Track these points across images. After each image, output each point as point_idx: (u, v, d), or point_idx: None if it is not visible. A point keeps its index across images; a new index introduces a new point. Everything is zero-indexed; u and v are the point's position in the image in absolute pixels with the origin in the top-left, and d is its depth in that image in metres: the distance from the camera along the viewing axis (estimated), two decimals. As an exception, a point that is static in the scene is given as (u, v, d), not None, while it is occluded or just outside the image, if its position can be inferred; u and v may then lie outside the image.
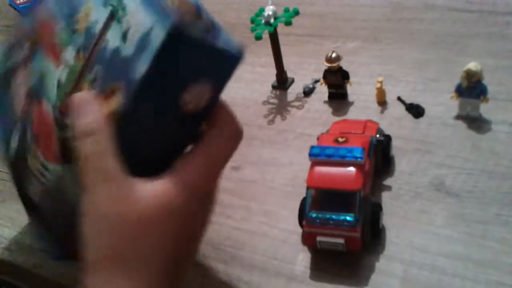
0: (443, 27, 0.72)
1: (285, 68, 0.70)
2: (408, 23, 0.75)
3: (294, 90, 0.69)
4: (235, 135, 0.40)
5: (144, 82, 0.34)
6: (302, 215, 0.48)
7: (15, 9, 1.13)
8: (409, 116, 0.60)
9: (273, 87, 0.71)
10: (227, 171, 0.58)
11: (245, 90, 0.71)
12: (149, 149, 0.39)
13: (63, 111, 0.40)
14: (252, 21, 0.65)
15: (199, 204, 0.38)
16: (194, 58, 0.36)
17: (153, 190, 0.35)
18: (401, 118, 0.60)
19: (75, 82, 0.39)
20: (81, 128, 0.36)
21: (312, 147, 0.49)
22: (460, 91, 0.56)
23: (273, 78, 0.71)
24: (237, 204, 0.55)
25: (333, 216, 0.46)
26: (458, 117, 0.58)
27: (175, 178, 0.36)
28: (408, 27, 0.74)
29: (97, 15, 0.39)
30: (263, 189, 0.57)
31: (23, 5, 1.13)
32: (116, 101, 0.35)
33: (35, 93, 0.43)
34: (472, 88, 0.55)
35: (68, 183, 0.39)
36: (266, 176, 0.58)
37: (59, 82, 0.41)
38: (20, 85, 0.44)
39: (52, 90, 0.41)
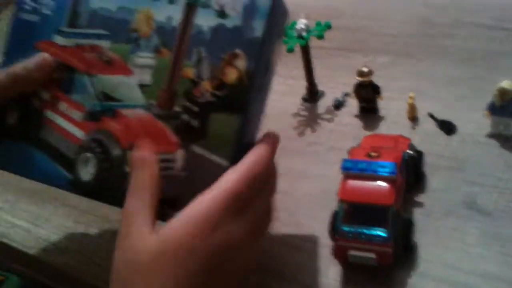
0: (475, 44, 0.72)
1: (316, 81, 0.71)
2: (439, 40, 0.75)
3: (324, 103, 0.70)
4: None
5: (262, 40, 0.44)
6: (333, 228, 0.49)
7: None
8: (441, 133, 0.60)
9: (303, 99, 0.72)
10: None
11: (276, 102, 0.71)
12: (259, 105, 0.49)
13: (163, 104, 0.46)
14: (284, 34, 0.66)
15: (216, 239, 0.37)
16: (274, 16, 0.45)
17: (160, 239, 0.37)
18: (432, 134, 0.60)
19: (171, 74, 0.46)
20: (133, 183, 0.41)
21: (345, 160, 0.50)
22: (493, 109, 0.56)
23: (303, 91, 0.71)
24: (267, 215, 0.56)
25: (365, 231, 0.46)
26: (491, 135, 0.58)
27: (182, 218, 0.38)
28: (439, 43, 0.75)
29: (166, 13, 0.47)
30: (294, 200, 0.57)
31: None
32: (241, 63, 0.44)
33: (101, 113, 0.48)
34: (505, 107, 0.55)
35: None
36: (296, 188, 0.58)
37: (141, 85, 0.47)
38: (62, 119, 0.50)
39: (135, 96, 0.47)
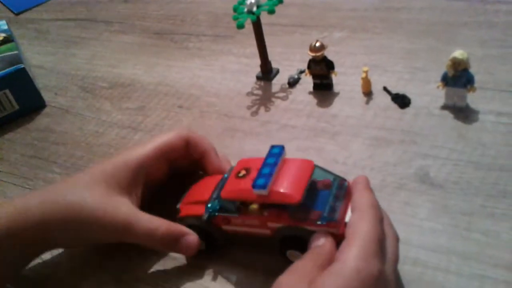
0: (431, 16, 0.71)
1: (270, 58, 0.68)
2: (396, 12, 0.74)
3: (279, 81, 0.68)
4: (376, 218, 0.40)
5: None
6: None
7: (3, 4, 1.12)
8: (395, 106, 0.58)
9: (258, 78, 0.69)
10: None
11: (230, 81, 0.70)
12: None
13: None
14: (235, 10, 0.63)
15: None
16: None
17: None
18: (386, 108, 0.59)
19: None
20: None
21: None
22: (446, 80, 0.55)
23: (258, 69, 0.69)
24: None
25: None
26: (445, 107, 0.56)
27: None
28: (396, 16, 0.73)
29: None
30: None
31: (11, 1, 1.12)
32: None
33: None
34: (458, 77, 0.54)
35: None
36: (248, 168, 0.56)
37: None
38: None
39: None
